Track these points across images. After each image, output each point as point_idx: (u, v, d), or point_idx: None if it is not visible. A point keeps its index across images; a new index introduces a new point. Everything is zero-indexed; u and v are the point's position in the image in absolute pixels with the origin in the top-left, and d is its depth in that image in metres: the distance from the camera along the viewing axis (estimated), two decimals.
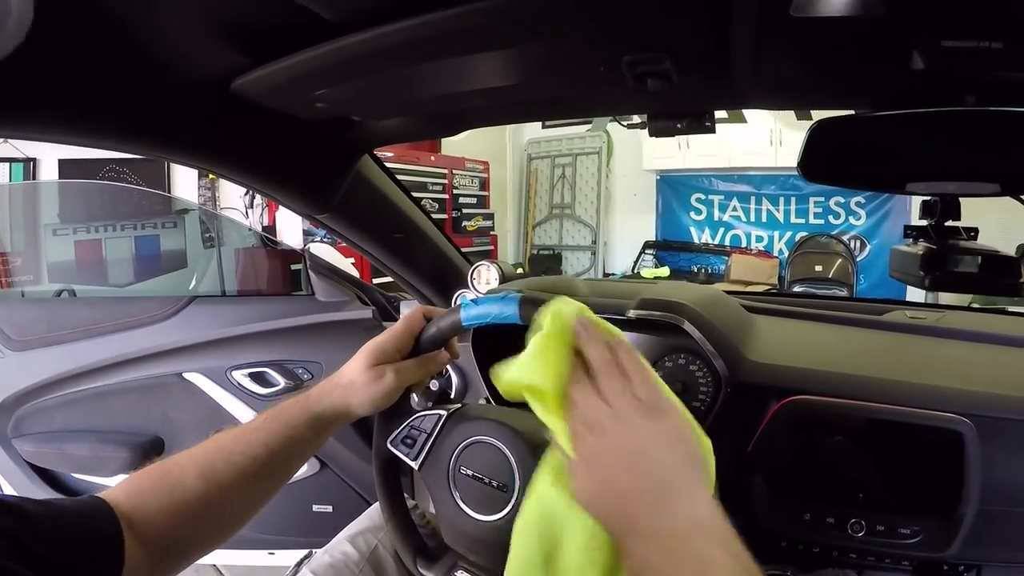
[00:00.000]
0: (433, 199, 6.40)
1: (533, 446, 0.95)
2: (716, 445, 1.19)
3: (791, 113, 6.01)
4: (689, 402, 1.30)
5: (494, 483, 0.96)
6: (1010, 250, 0.91)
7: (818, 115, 0.88)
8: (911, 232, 0.98)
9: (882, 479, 1.21)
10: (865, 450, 1.23)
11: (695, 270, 7.31)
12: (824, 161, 0.92)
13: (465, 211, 6.90)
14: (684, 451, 0.68)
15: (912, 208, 6.13)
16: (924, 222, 0.96)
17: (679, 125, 1.01)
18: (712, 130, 1.01)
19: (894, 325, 1.56)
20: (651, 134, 1.04)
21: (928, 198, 0.95)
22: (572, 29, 0.66)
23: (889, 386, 1.17)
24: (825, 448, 1.25)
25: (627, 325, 1.33)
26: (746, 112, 6.39)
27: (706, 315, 1.26)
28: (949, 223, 0.94)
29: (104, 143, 0.93)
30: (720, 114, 1.02)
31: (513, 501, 0.94)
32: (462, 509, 0.99)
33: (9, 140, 4.57)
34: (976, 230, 0.95)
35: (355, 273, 2.13)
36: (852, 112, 0.90)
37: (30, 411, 2.25)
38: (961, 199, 0.94)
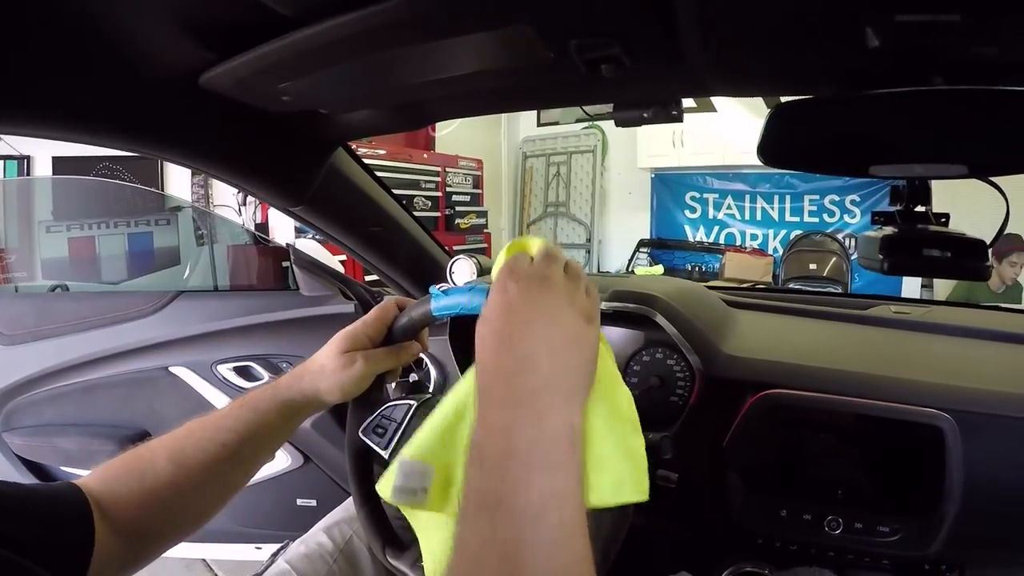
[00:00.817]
0: (426, 197, 6.40)
1: None
2: (692, 440, 1.20)
3: (761, 102, 6.05)
4: (667, 396, 1.31)
5: None
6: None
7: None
8: (879, 219, 0.98)
9: (861, 476, 1.21)
10: (843, 447, 1.23)
11: (690, 268, 7.30)
12: (784, 145, 0.92)
13: (459, 209, 6.90)
14: (588, 353, 0.68)
15: None
16: (893, 208, 0.96)
17: (645, 115, 1.01)
18: (679, 119, 1.01)
19: (878, 320, 1.57)
20: (617, 124, 1.04)
21: (896, 183, 0.95)
22: (517, 15, 0.66)
23: (867, 381, 1.17)
24: (802, 444, 1.25)
25: (605, 317, 1.33)
26: (743, 108, 6.39)
27: (679, 307, 1.26)
28: (918, 208, 0.94)
29: (76, 137, 0.93)
30: (689, 103, 1.02)
31: None
32: None
33: (3, 138, 4.59)
34: (947, 215, 0.94)
35: (342, 271, 2.12)
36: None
37: (20, 405, 2.25)
38: (932, 185, 0.93)
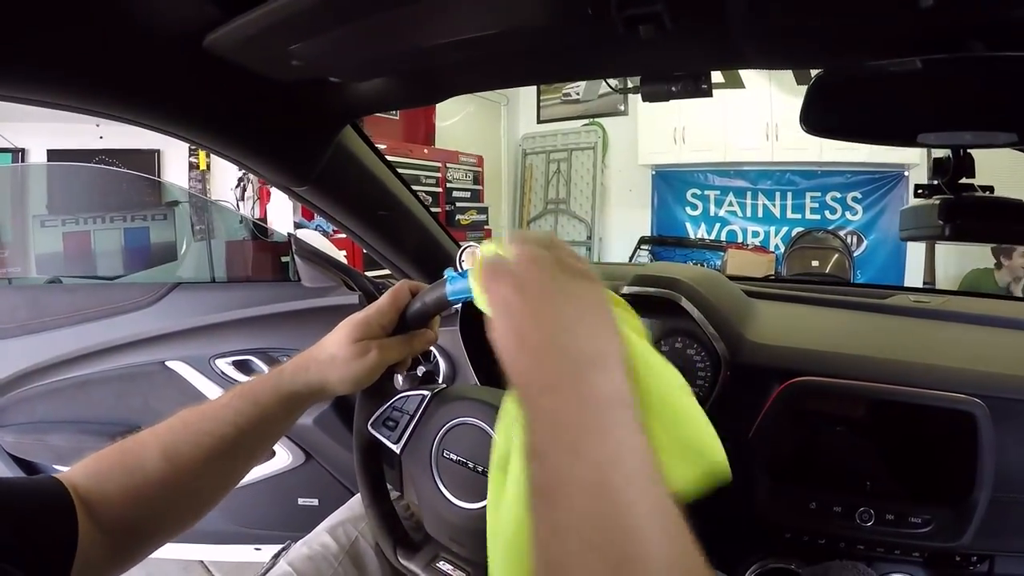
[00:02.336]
0: (426, 192, 6.42)
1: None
2: (716, 432, 1.15)
3: (791, 86, 6.04)
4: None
5: (479, 468, 0.91)
6: None
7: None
8: (922, 190, 0.94)
9: (890, 466, 1.17)
10: (872, 436, 1.19)
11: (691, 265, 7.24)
12: (827, 114, 0.88)
13: (459, 205, 6.95)
14: (600, 309, 0.63)
15: (910, 202, 6.10)
16: (936, 181, 0.92)
17: (673, 88, 0.95)
18: (708, 93, 0.96)
19: (898, 309, 1.54)
20: (644, 98, 0.98)
21: (940, 155, 0.91)
22: None
23: (897, 367, 1.14)
24: (830, 434, 1.21)
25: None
26: (742, 102, 6.38)
27: (704, 293, 1.22)
28: (963, 180, 0.90)
29: (73, 100, 0.87)
30: (717, 79, 0.97)
31: None
32: (444, 496, 0.94)
33: None
34: (991, 188, 0.90)
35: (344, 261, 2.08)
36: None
37: (11, 401, 2.21)
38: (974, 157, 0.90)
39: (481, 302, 0.70)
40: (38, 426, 2.17)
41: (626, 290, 1.24)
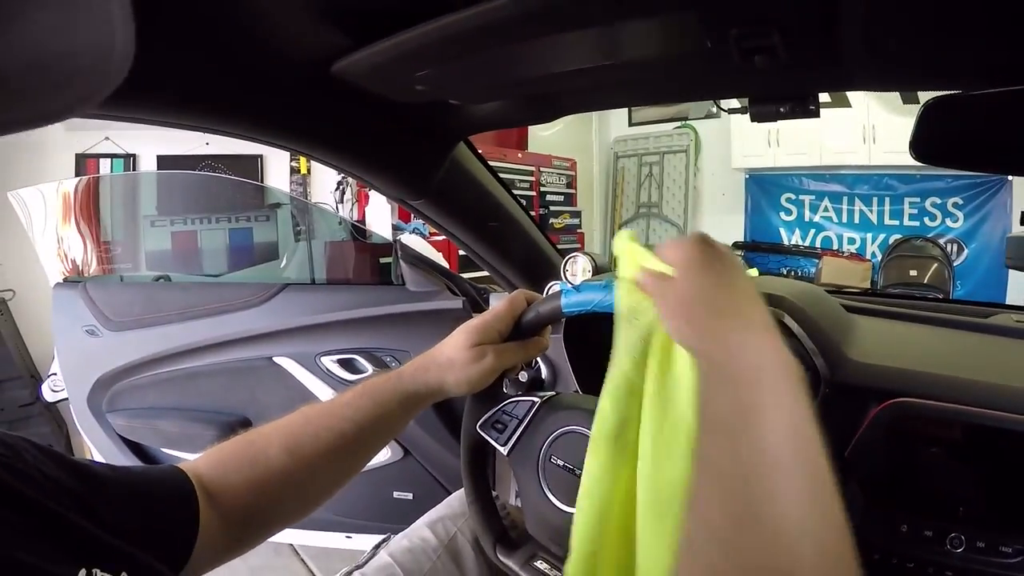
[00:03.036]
0: (520, 196, 6.40)
1: None
2: None
3: (894, 103, 5.86)
4: None
5: None
6: None
7: (924, 97, 0.85)
8: None
9: (985, 493, 1.15)
10: (968, 461, 1.17)
11: (784, 272, 7.11)
12: (937, 141, 0.87)
13: (552, 208, 6.95)
14: (751, 287, 0.69)
15: (1013, 209, 5.88)
16: None
17: (782, 109, 0.98)
18: (816, 114, 0.97)
19: (1001, 329, 1.48)
20: (753, 119, 1.01)
21: None
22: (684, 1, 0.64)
23: (1001, 392, 1.10)
24: (924, 455, 1.19)
25: None
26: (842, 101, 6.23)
27: (807, 310, 1.22)
28: None
29: (210, 126, 0.95)
30: (823, 99, 0.98)
31: None
32: (549, 499, 0.98)
33: (109, 137, 4.77)
34: None
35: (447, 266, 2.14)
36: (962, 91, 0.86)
37: (124, 388, 2.34)
38: None
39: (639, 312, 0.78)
40: (148, 412, 2.28)
41: None
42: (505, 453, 1.03)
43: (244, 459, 0.85)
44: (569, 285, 0.94)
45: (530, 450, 1.01)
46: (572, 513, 0.94)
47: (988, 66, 0.80)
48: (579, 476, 0.94)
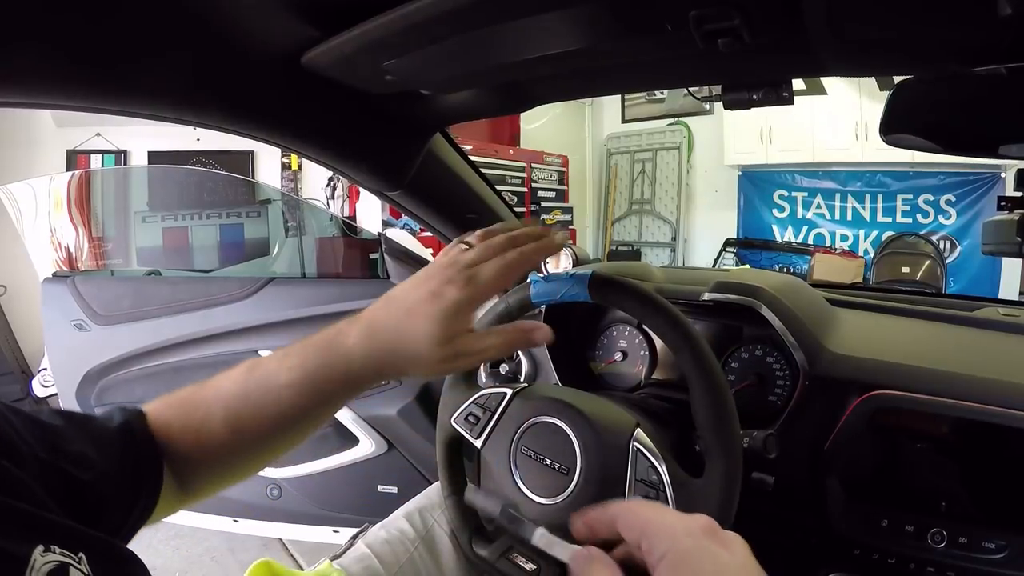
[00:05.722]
0: (512, 192, 6.43)
1: (598, 429, 0.94)
2: (791, 442, 1.16)
3: (874, 88, 5.87)
4: (765, 395, 1.27)
5: (556, 465, 0.95)
6: None
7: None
8: (1005, 203, 0.92)
9: (967, 487, 1.14)
10: (950, 454, 1.16)
11: (777, 269, 7.06)
12: (906, 123, 0.86)
13: (544, 205, 6.96)
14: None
15: None
16: (1020, 193, 0.90)
17: (754, 96, 0.96)
18: (790, 101, 0.96)
19: (986, 322, 1.47)
20: (726, 107, 1.00)
21: None
22: None
23: (982, 385, 1.09)
24: (906, 450, 1.19)
25: (701, 310, 1.29)
26: (831, 101, 6.24)
27: (785, 301, 1.21)
28: None
29: (180, 117, 0.94)
30: (798, 86, 0.98)
31: (574, 484, 0.93)
32: (521, 490, 0.98)
33: (100, 133, 4.77)
34: None
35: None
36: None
37: (113, 382, 2.36)
38: None
39: None
40: (137, 406, 2.27)
41: (707, 296, 1.24)
42: (479, 446, 1.03)
43: (188, 425, 0.80)
44: (538, 276, 0.94)
45: (502, 442, 1.01)
46: (543, 504, 0.95)
47: (958, 48, 0.79)
48: (549, 466, 0.94)
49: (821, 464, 1.18)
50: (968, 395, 1.07)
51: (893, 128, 0.86)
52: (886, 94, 0.87)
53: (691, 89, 1.07)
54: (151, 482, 0.73)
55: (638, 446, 0.93)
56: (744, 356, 1.30)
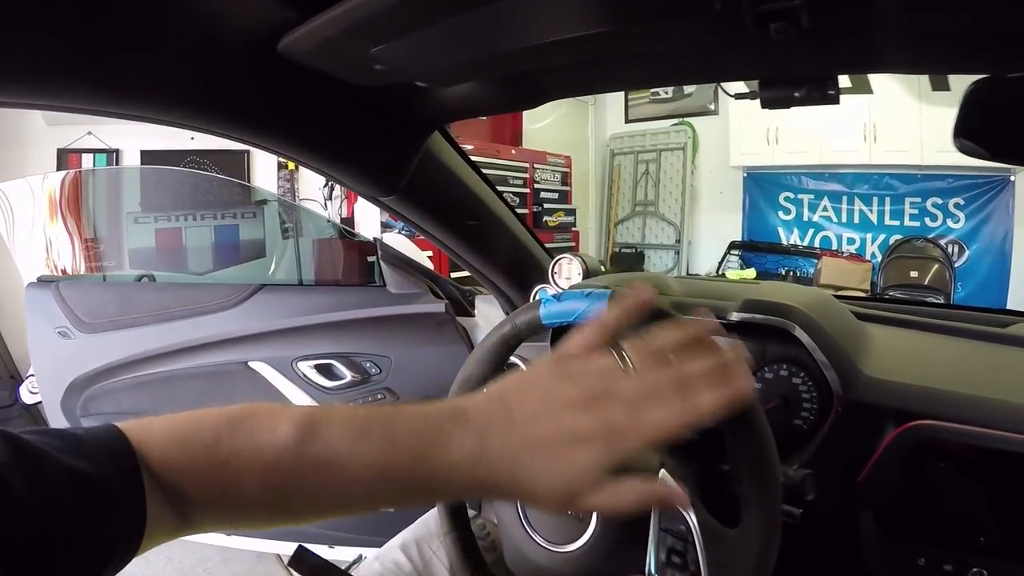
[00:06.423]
0: (514, 193, 6.40)
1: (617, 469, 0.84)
2: (821, 472, 1.06)
3: (897, 99, 5.78)
4: (790, 420, 1.17)
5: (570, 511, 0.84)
6: None
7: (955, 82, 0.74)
8: None
9: (1009, 522, 1.04)
10: (991, 487, 1.06)
11: (783, 273, 7.07)
12: (986, 127, 0.76)
13: (546, 206, 6.94)
14: None
15: (1015, 210, 5.83)
16: None
17: (797, 94, 0.86)
18: (835, 100, 0.86)
19: (1022, 340, 1.38)
20: (764, 105, 0.89)
21: None
22: None
23: None
24: (944, 483, 1.08)
25: (727, 329, 1.20)
26: (840, 105, 6.12)
27: (819, 320, 1.12)
28: None
29: (148, 114, 0.83)
30: (843, 83, 0.87)
31: (590, 532, 0.82)
32: (531, 536, 0.88)
33: (92, 132, 4.72)
34: None
35: (431, 267, 2.11)
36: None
37: (99, 392, 2.30)
38: None
39: None
40: (124, 417, 2.16)
41: (735, 316, 1.16)
42: None
43: (212, 480, 0.60)
44: (551, 292, 0.84)
45: None
46: (556, 552, 0.85)
47: None
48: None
49: (853, 497, 1.08)
50: (1013, 425, 0.97)
51: (972, 135, 0.75)
52: (907, 96, 0.78)
53: (723, 85, 0.97)
54: (124, 533, 0.57)
55: None
56: (768, 377, 1.20)
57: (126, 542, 0.57)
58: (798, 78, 0.85)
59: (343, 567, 1.14)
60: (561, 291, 0.86)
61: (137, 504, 0.57)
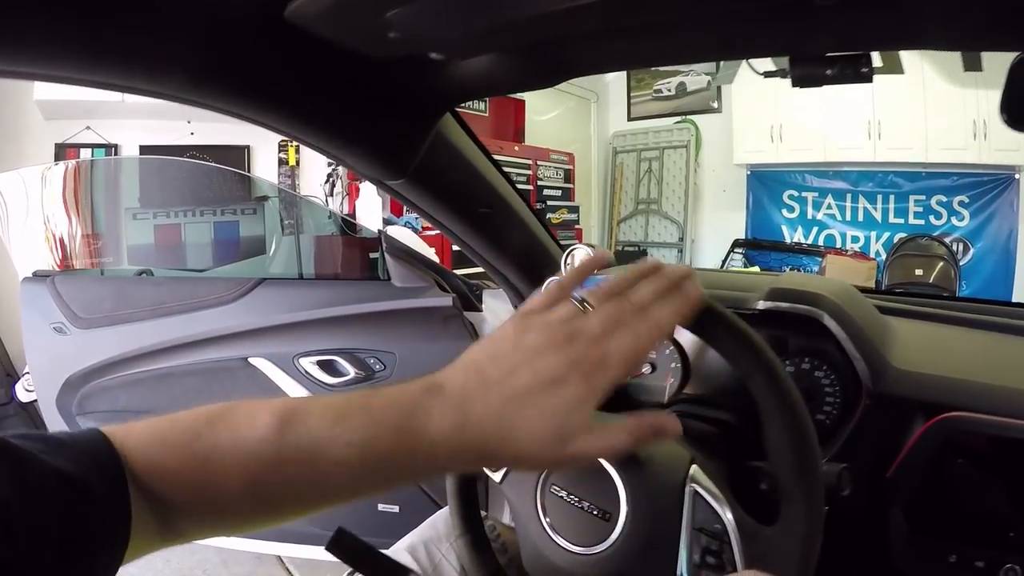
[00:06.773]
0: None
1: (646, 466, 0.79)
2: (849, 467, 1.02)
3: (902, 94, 5.73)
4: (812, 414, 1.12)
5: (594, 510, 0.79)
6: None
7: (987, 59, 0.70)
8: None
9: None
10: (1015, 481, 1.02)
11: (786, 271, 7.02)
12: None
13: (549, 203, 6.99)
14: None
15: (1020, 208, 5.82)
16: None
17: (829, 72, 0.82)
18: (868, 78, 0.82)
19: None
20: (795, 83, 0.85)
21: None
22: None
23: None
24: (966, 478, 1.05)
25: (752, 320, 1.16)
26: (843, 98, 6.14)
27: (848, 310, 1.08)
28: None
29: (145, 86, 0.78)
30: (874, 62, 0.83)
31: (617, 532, 0.77)
32: (551, 537, 0.83)
33: (91, 127, 4.68)
34: None
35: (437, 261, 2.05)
36: None
37: (95, 389, 2.28)
38: None
39: None
40: (120, 415, 2.24)
41: (762, 305, 1.12)
42: (498, 480, 0.89)
43: (194, 481, 0.59)
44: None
45: (526, 478, 0.87)
46: (577, 553, 0.80)
47: None
48: (583, 509, 0.80)
49: (882, 493, 1.05)
50: None
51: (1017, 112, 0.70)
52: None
53: (751, 62, 0.92)
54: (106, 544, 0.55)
55: (696, 487, 0.78)
56: (790, 369, 1.16)
57: (112, 548, 0.55)
58: (830, 57, 0.81)
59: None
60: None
61: (122, 509, 0.56)
